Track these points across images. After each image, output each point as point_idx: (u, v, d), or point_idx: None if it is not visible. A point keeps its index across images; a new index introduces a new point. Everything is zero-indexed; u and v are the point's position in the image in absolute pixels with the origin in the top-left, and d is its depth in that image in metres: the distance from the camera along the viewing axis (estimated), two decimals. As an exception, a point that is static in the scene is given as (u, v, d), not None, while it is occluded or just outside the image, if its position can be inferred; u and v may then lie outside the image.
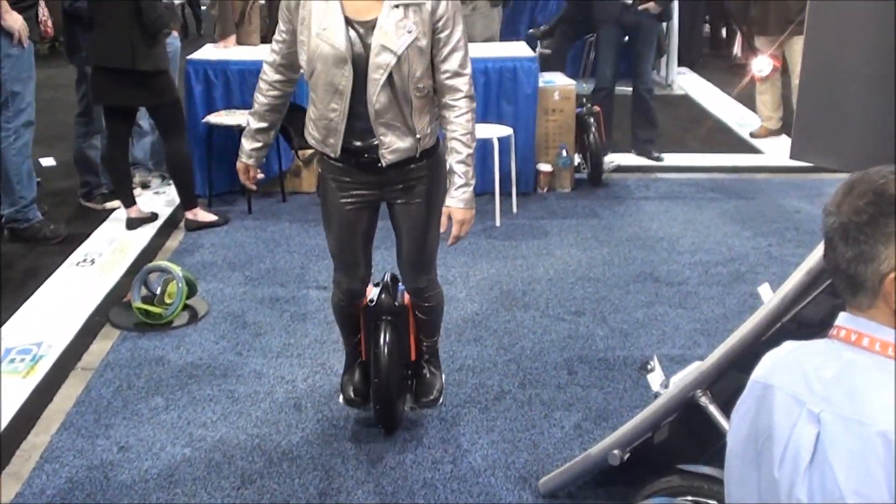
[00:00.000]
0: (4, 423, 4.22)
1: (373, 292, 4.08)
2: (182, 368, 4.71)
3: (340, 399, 4.17)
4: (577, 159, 7.73)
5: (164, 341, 5.02)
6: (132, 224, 6.65)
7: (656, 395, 3.45)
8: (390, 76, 3.42)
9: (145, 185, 7.57)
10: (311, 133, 3.65)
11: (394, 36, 3.38)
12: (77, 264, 6.07)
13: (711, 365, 3.17)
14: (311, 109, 3.62)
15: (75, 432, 4.16)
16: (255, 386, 4.54)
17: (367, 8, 3.43)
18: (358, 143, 3.57)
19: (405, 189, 3.69)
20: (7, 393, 4.47)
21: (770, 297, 3.06)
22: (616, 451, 3.38)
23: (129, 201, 6.66)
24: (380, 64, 3.40)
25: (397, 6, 3.39)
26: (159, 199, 7.24)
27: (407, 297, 4.08)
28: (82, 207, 7.11)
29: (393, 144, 3.53)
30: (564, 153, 7.51)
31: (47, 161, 8.06)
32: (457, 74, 3.52)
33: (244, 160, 3.90)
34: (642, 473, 3.05)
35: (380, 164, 3.57)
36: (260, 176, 3.98)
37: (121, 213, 6.76)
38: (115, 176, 6.73)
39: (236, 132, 6.79)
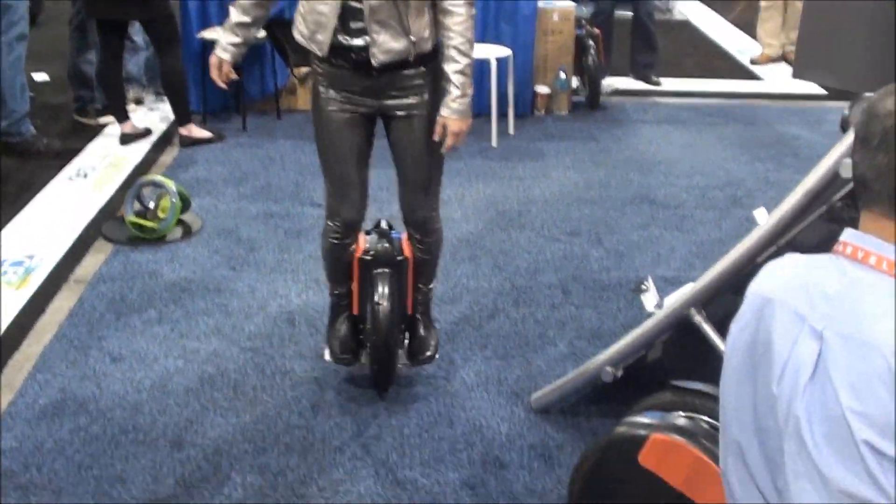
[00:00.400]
0: (-2, 333, 4.23)
1: (368, 241, 3.80)
2: (175, 282, 4.69)
3: (326, 355, 3.89)
4: (574, 82, 7.66)
5: (158, 255, 5.00)
6: (126, 139, 6.59)
7: (650, 316, 3.44)
8: None
9: (139, 101, 7.48)
10: (300, 28, 3.48)
11: None
12: (70, 178, 6.02)
13: (706, 284, 3.16)
14: (301, 4, 3.44)
15: (68, 343, 4.15)
16: (249, 300, 4.53)
17: None
18: (348, 41, 3.37)
19: (402, 99, 3.48)
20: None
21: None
22: (609, 368, 3.38)
23: (123, 116, 6.60)
24: None
25: None
26: (153, 115, 7.16)
27: (407, 246, 3.80)
28: (76, 122, 7.03)
29: (386, 44, 3.33)
30: (562, 75, 7.45)
31: (40, 76, 7.99)
32: None
33: (219, 54, 3.62)
34: (635, 391, 3.04)
35: (371, 66, 3.37)
36: (233, 76, 3.67)
37: (114, 129, 6.69)
38: (109, 91, 6.65)
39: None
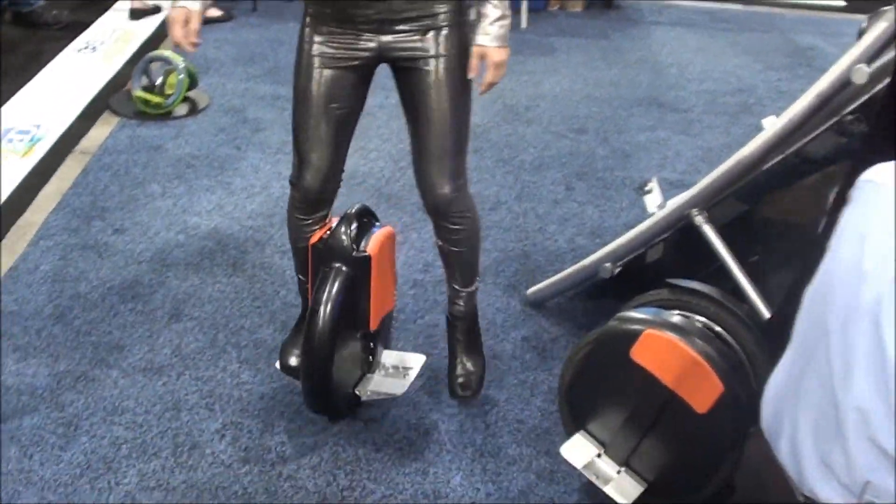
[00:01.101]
0: (2, 201, 4.23)
1: (332, 227, 2.97)
2: (180, 158, 4.69)
3: (277, 364, 3.23)
4: (590, -21, 7.57)
5: (163, 131, 4.99)
6: (135, 14, 6.54)
7: (652, 216, 3.44)
8: None
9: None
10: None
11: None
12: (79, 51, 5.99)
13: (709, 184, 3.16)
14: None
15: (71, 213, 4.16)
16: (252, 179, 4.53)
17: None
18: None
19: (412, 37, 2.73)
20: (5, 171, 4.46)
21: (775, 126, 3.02)
22: (608, 265, 3.40)
23: None
24: None
25: None
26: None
27: (378, 243, 2.94)
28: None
29: None
30: (579, -29, 7.37)
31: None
32: None
33: (184, 3, 2.69)
34: (632, 290, 3.05)
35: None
36: (198, 40, 2.73)
37: (124, 4, 6.65)
38: None
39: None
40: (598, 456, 2.76)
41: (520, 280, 3.88)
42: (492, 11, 2.69)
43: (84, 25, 6.39)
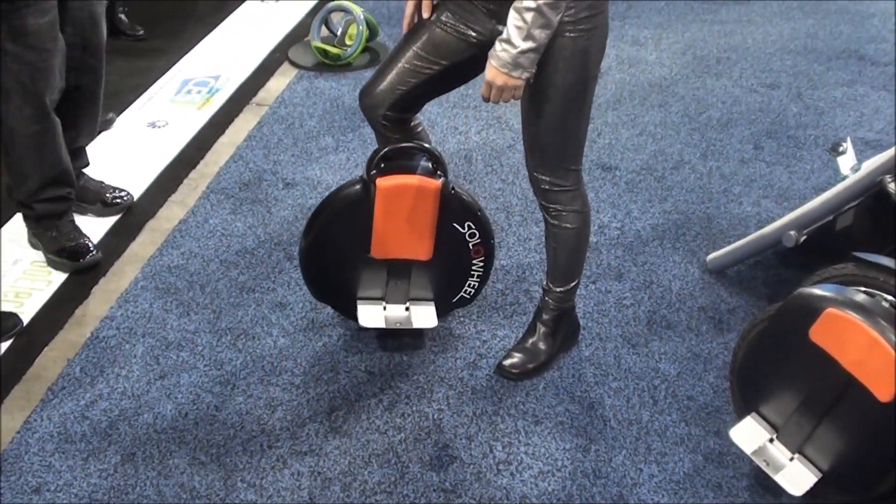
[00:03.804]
0: (177, 151, 4.25)
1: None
2: (356, 111, 4.62)
3: None
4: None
5: (342, 83, 4.94)
6: None
7: (844, 180, 3.20)
8: None
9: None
10: None
11: None
12: (262, 1, 6.00)
13: (909, 148, 2.92)
14: None
15: (243, 165, 4.14)
16: (429, 134, 4.43)
17: None
18: None
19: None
20: (181, 122, 4.48)
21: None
22: (792, 232, 3.18)
23: None
24: None
25: None
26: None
27: (391, 182, 2.86)
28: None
29: None
30: (779, -84, 6.99)
31: None
32: None
33: None
34: (818, 260, 2.84)
35: None
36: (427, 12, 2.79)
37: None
38: None
39: None
40: (771, 441, 2.59)
41: (700, 245, 3.69)
42: (504, 32, 2.48)
43: (270, -25, 6.40)
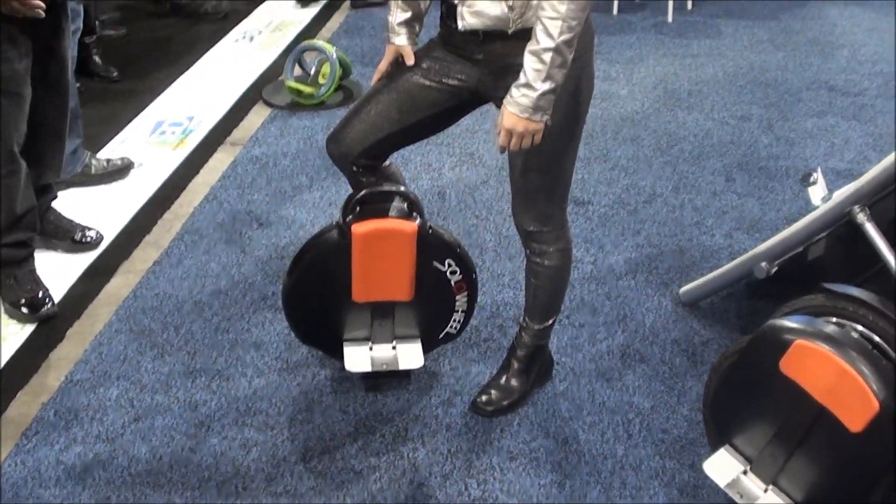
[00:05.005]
0: (152, 192, 4.25)
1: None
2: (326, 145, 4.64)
3: None
4: (761, -44, 7.26)
5: (315, 121, 4.96)
6: (303, 1, 6.57)
7: (816, 209, 3.23)
8: None
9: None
10: None
11: None
12: (236, 41, 6.03)
13: (874, 178, 2.94)
14: None
15: (217, 205, 4.15)
16: (402, 171, 4.44)
17: None
18: None
19: (503, 80, 2.55)
20: (156, 163, 4.48)
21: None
22: (764, 264, 3.20)
23: None
24: None
25: None
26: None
27: (366, 227, 2.84)
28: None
29: (477, 4, 2.51)
30: (748, -51, 7.06)
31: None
32: None
33: (394, 41, 2.81)
34: (789, 290, 2.86)
35: (457, 28, 2.59)
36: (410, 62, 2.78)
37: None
38: None
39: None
40: (745, 473, 2.59)
41: (673, 277, 3.71)
42: (521, 76, 2.45)
43: (243, 15, 6.43)
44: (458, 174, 4.44)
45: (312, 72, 5.18)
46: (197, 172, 4.45)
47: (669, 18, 6.46)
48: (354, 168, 2.86)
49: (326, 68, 5.15)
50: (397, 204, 2.92)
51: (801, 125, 5.00)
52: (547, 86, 2.43)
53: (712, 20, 6.51)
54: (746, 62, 5.83)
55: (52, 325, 3.42)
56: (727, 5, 6.83)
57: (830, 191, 3.42)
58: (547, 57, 2.40)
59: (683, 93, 5.38)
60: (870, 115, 5.13)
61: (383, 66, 2.82)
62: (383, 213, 2.89)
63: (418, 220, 2.88)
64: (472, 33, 2.58)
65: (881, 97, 5.34)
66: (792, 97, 5.33)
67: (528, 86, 2.43)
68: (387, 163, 2.95)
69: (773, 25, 6.43)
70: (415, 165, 4.49)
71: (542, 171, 2.71)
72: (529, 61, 2.42)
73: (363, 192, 2.88)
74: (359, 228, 2.84)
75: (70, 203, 3.89)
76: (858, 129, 4.95)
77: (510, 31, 2.52)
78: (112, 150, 4.58)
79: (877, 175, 2.93)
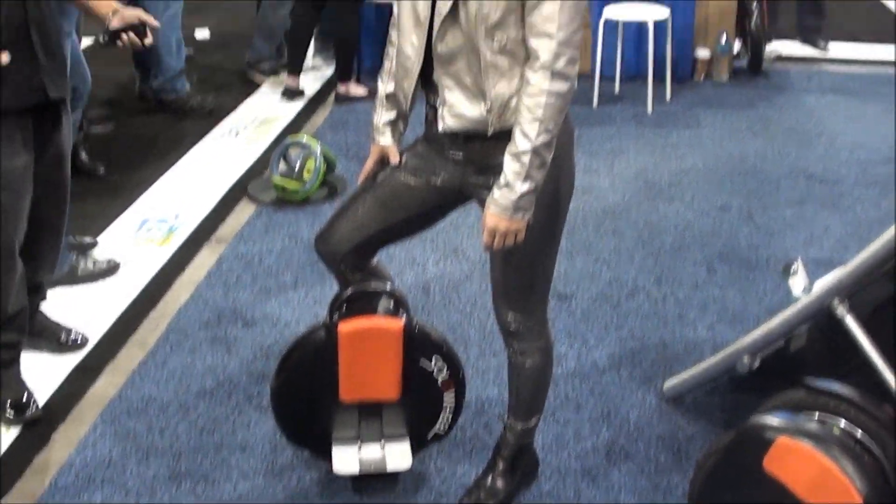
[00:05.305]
0: (137, 291, 4.27)
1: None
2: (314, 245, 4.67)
3: None
4: (736, 46, 7.36)
5: (300, 217, 5.00)
6: (289, 94, 6.64)
7: (797, 301, 3.26)
8: (455, 9, 2.46)
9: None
10: (392, 72, 2.77)
11: None
12: (222, 136, 6.09)
13: (853, 270, 2.97)
14: (388, 48, 2.80)
15: (203, 304, 4.17)
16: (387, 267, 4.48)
17: None
18: (430, 97, 2.67)
19: (484, 178, 2.64)
20: (141, 261, 4.50)
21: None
22: (746, 358, 3.23)
23: (298, 70, 6.71)
24: None
25: None
26: (307, 75, 7.12)
27: (352, 326, 2.88)
28: (231, 80, 7.08)
29: (457, 107, 2.56)
30: (724, 39, 7.15)
31: (202, 33, 8.05)
32: (540, 34, 2.42)
33: (379, 140, 2.86)
34: (772, 383, 2.88)
35: (438, 130, 2.65)
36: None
37: (268, 88, 6.76)
38: (297, 43, 6.73)
39: (387, 10, 6.71)
40: (731, 574, 2.59)
41: (657, 372, 3.73)
42: (500, 178, 2.52)
43: (228, 110, 6.49)
44: (441, 269, 4.47)
45: (297, 167, 5.22)
46: (182, 270, 4.47)
47: (649, 109, 6.54)
48: (342, 266, 2.91)
49: (311, 163, 5.19)
50: (384, 302, 2.95)
51: (781, 214, 5.06)
52: (527, 186, 2.49)
53: (691, 110, 6.60)
54: (725, 151, 5.90)
55: (36, 428, 3.41)
56: (705, 95, 6.92)
57: (811, 280, 3.45)
58: (526, 158, 2.46)
59: (664, 183, 5.44)
60: (848, 202, 5.20)
61: (369, 165, 2.89)
62: (370, 312, 2.92)
63: (404, 318, 2.90)
64: (454, 134, 2.64)
65: (859, 185, 5.41)
66: (771, 186, 5.40)
67: (508, 186, 2.50)
68: (374, 261, 2.99)
69: (751, 114, 6.52)
70: (399, 260, 4.52)
71: (522, 270, 2.75)
72: (509, 162, 2.49)
73: (349, 291, 2.91)
74: (345, 327, 2.87)
75: (56, 302, 3.90)
76: (838, 218, 5.01)
77: (489, 133, 2.56)
78: (98, 247, 4.60)
79: (856, 268, 2.96)
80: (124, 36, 3.21)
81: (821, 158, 5.80)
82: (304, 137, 5.33)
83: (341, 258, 2.88)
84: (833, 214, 5.06)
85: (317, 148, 5.19)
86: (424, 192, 2.79)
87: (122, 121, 6.24)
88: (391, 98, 2.80)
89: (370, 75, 6.99)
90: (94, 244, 4.55)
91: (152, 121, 6.27)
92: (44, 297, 3.74)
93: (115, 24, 3.21)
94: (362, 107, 6.51)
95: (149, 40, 3.26)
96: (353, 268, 2.92)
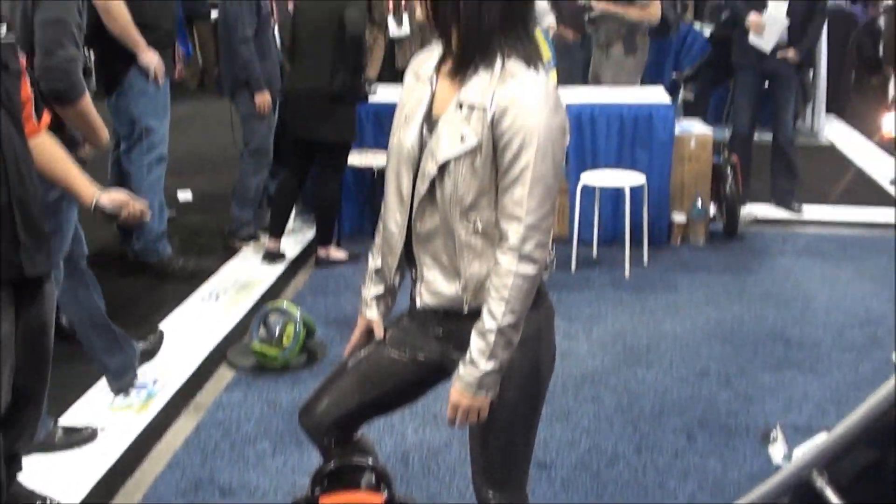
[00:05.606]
0: (115, 459, 4.23)
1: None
2: (293, 412, 4.62)
3: None
4: (712, 210, 7.49)
5: (279, 383, 5.00)
6: (270, 257, 6.70)
7: (777, 469, 3.25)
8: (433, 190, 2.56)
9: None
10: (378, 245, 2.87)
11: (445, 141, 2.52)
12: (202, 300, 6.11)
13: (832, 441, 2.96)
14: (379, 223, 2.86)
15: (180, 472, 4.14)
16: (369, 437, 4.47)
17: (444, 103, 2.60)
18: (413, 272, 2.76)
19: (461, 353, 2.64)
20: (119, 428, 4.48)
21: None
22: (727, 533, 3.21)
23: (280, 234, 6.78)
24: (424, 173, 2.57)
25: (461, 105, 2.52)
26: (287, 238, 7.18)
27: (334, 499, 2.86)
28: (213, 242, 7.14)
29: (434, 284, 2.64)
30: (699, 204, 7.28)
31: (184, 195, 8.14)
32: (510, 217, 2.48)
33: (367, 314, 2.93)
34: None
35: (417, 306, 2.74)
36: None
37: (248, 252, 6.82)
38: (281, 209, 6.83)
39: (367, 174, 6.83)
40: None
41: (637, 543, 3.71)
42: (470, 351, 2.56)
43: (209, 273, 6.52)
44: (421, 437, 4.46)
45: (277, 333, 5.24)
46: (160, 437, 4.46)
47: (626, 273, 6.61)
48: (326, 440, 2.92)
49: (291, 329, 5.21)
50: (366, 477, 2.94)
51: (759, 379, 5.08)
52: (491, 365, 2.53)
53: (668, 274, 6.67)
54: (703, 315, 5.95)
55: None
56: (682, 259, 7.01)
57: (791, 447, 3.45)
58: (491, 337, 2.51)
59: (642, 348, 5.47)
60: (826, 366, 5.23)
61: (355, 338, 2.94)
62: (352, 486, 2.90)
63: (386, 494, 2.89)
64: (433, 311, 2.68)
65: (836, 349, 5.46)
66: (749, 351, 5.44)
67: (472, 363, 2.54)
68: (358, 433, 2.99)
69: (727, 278, 6.60)
70: (377, 428, 4.50)
71: (501, 446, 2.75)
72: (475, 339, 2.54)
73: (332, 465, 2.90)
74: (326, 501, 2.85)
75: (32, 469, 3.86)
76: (816, 383, 5.04)
77: (465, 311, 2.61)
78: (75, 413, 4.57)
79: (837, 437, 2.95)
80: (122, 214, 3.31)
81: (797, 322, 5.85)
82: (284, 303, 5.37)
83: (325, 431, 2.89)
84: (811, 379, 5.08)
85: (297, 314, 5.22)
86: (409, 367, 2.82)
87: (103, 283, 6.20)
88: (380, 273, 2.85)
89: (350, 239, 7.10)
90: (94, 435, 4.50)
91: (133, 283, 6.29)
92: (20, 468, 3.71)
93: (108, 207, 3.30)
94: (343, 271, 6.57)
95: (146, 217, 3.36)
96: (338, 441, 2.93)
